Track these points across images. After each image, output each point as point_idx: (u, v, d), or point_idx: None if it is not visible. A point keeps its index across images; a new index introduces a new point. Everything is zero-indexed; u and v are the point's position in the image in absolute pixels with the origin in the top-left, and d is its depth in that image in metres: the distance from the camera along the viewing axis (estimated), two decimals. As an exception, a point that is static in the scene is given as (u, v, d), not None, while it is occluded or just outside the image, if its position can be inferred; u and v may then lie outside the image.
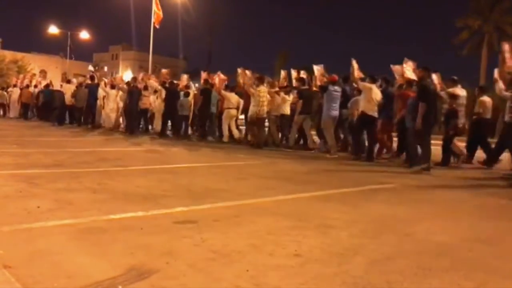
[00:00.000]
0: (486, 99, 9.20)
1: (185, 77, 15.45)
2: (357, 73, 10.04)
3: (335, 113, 9.77)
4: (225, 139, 12.23)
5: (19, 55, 60.58)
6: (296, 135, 11.50)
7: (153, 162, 7.51)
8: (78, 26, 75.17)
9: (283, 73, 11.80)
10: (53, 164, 6.42)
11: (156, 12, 22.56)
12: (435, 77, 9.19)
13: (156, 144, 11.03)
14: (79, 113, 16.51)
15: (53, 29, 40.59)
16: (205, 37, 54.82)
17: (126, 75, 39.90)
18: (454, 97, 8.86)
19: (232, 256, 2.72)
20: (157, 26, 22.73)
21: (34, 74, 28.33)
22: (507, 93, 7.98)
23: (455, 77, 9.29)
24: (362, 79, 9.50)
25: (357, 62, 10.06)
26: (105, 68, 74.33)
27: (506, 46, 8.37)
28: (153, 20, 23.04)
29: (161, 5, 22.96)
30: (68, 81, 18.43)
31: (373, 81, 9.30)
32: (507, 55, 8.19)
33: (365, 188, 5.76)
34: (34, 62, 62.36)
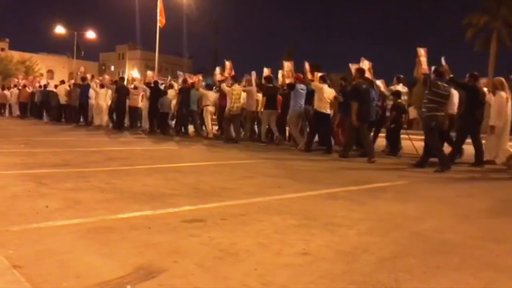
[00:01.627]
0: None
1: (150, 73, 16.89)
2: (309, 75, 11.23)
3: (301, 109, 10.57)
4: (210, 135, 12.96)
5: (26, 55, 61.01)
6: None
7: (159, 161, 7.53)
8: (84, 26, 75.48)
9: (289, 64, 11.90)
10: (61, 164, 6.46)
11: (159, 18, 22.81)
12: (379, 82, 10.53)
13: (161, 143, 11.07)
14: (73, 112, 17.54)
15: (59, 29, 40.81)
16: (211, 35, 54.90)
17: (133, 74, 40.10)
18: (396, 94, 9.96)
19: (240, 255, 2.72)
20: (161, 26, 23.05)
21: (42, 74, 28.88)
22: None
23: (401, 75, 10.58)
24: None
25: (310, 65, 11.40)
26: (112, 68, 74.67)
27: (421, 51, 9.03)
28: (158, 21, 23.18)
29: (167, 4, 23.12)
30: (62, 82, 19.77)
31: (324, 81, 10.24)
32: (422, 59, 8.88)
33: (373, 186, 5.74)
34: (42, 62, 62.86)
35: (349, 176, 6.65)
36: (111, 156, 7.74)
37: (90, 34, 42.30)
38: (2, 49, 65.17)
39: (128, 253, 2.67)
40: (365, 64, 10.12)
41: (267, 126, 11.73)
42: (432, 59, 8.90)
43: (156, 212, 3.72)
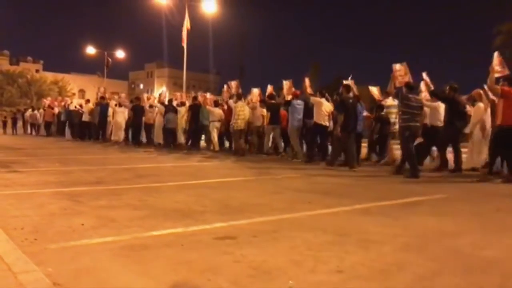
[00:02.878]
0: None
1: (164, 91, 18.96)
2: (309, 89, 12.09)
3: (299, 123, 11.25)
4: (216, 147, 13.68)
5: (59, 76, 63.19)
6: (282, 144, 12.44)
7: (188, 177, 7.59)
8: (114, 45, 77.71)
9: (288, 83, 12.92)
10: (94, 182, 6.60)
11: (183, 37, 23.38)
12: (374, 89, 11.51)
13: (189, 159, 11.18)
14: (94, 129, 18.76)
15: (90, 50, 42.01)
16: (238, 51, 55.63)
17: (160, 91, 40.82)
18: (379, 107, 10.79)
19: (273, 272, 2.70)
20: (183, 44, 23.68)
21: (74, 94, 30.31)
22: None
23: (387, 90, 10.94)
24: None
25: (310, 80, 12.38)
26: (141, 86, 76.28)
27: (396, 67, 9.94)
28: (185, 38, 23.68)
29: (193, 21, 23.66)
30: (87, 101, 21.17)
31: (322, 95, 10.90)
32: (396, 74, 9.98)
33: (406, 200, 5.61)
34: (74, 82, 64.92)
35: (379, 191, 6.54)
36: (141, 173, 7.87)
37: (120, 54, 43.36)
38: (37, 71, 67.80)
39: (162, 270, 2.69)
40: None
41: (270, 140, 12.63)
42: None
43: (188, 229, 3.74)
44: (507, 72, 8.61)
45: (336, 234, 3.68)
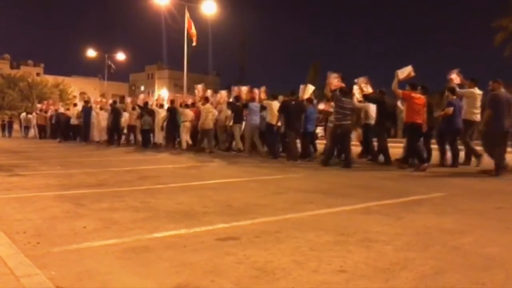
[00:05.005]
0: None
1: (141, 96, 20.14)
2: (263, 95, 13.61)
3: (255, 123, 12.67)
4: (184, 146, 15.01)
5: (59, 79, 63.22)
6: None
7: (191, 179, 7.59)
8: (114, 48, 77.72)
9: (246, 88, 14.57)
10: (96, 184, 6.61)
11: (191, 32, 23.36)
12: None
13: (190, 161, 11.19)
14: (81, 131, 20.40)
15: (91, 52, 42.10)
16: (238, 52, 55.61)
17: (162, 93, 40.82)
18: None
19: (276, 273, 2.70)
20: (194, 44, 23.72)
21: (74, 96, 30.95)
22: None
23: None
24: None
25: (266, 91, 13.87)
26: (142, 88, 76.30)
27: (332, 75, 10.79)
28: (186, 40, 23.68)
29: (192, 22, 23.63)
30: (75, 105, 23.42)
31: (274, 98, 12.38)
32: (331, 80, 10.74)
33: (407, 199, 5.61)
34: (74, 85, 64.94)
35: (381, 190, 6.53)
36: (143, 175, 7.87)
37: (120, 56, 43.47)
38: (38, 74, 67.91)
39: (165, 272, 2.70)
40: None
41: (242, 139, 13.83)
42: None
43: (190, 231, 3.75)
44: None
45: (338, 234, 3.68)
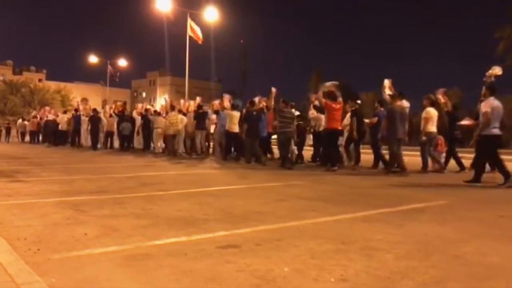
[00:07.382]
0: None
1: (119, 104, 21.68)
2: (226, 103, 14.94)
3: (223, 129, 14.06)
4: (157, 150, 17.10)
5: (62, 84, 63.45)
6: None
7: (192, 185, 7.59)
8: (116, 54, 77.98)
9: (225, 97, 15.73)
10: (97, 191, 6.61)
11: (195, 34, 23.61)
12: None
13: (192, 167, 11.20)
14: (68, 136, 22.88)
15: (93, 59, 42.26)
16: (240, 58, 55.76)
17: (162, 99, 40.90)
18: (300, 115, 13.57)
19: (277, 281, 2.69)
20: (200, 42, 24.11)
21: (77, 102, 31.68)
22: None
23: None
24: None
25: (230, 99, 15.28)
26: (144, 94, 76.49)
27: (273, 89, 13.25)
28: (188, 46, 23.83)
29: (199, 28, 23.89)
30: (64, 112, 26.37)
31: (234, 108, 14.07)
32: (272, 95, 13.25)
33: (408, 207, 5.60)
34: (76, 91, 65.19)
35: (382, 197, 6.52)
36: (144, 181, 7.88)
37: (122, 62, 43.58)
38: (40, 80, 68.16)
39: (165, 280, 2.69)
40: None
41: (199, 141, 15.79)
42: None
43: (191, 238, 3.74)
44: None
45: (339, 242, 3.67)
